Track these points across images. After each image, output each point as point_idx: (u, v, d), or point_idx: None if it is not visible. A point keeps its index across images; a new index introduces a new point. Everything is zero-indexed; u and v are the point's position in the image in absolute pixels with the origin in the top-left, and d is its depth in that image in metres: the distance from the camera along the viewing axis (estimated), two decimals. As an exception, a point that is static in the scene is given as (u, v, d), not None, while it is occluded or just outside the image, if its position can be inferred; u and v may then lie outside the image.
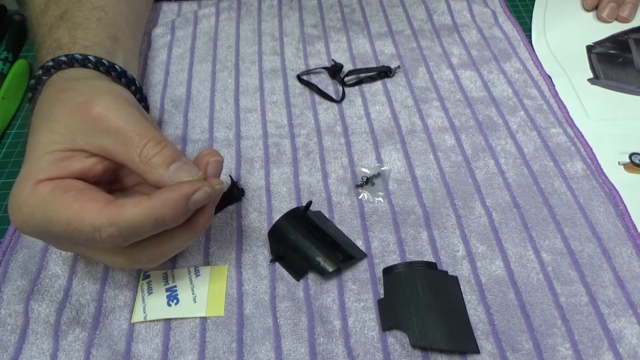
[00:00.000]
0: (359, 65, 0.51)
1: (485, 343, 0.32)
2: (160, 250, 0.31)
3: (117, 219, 0.28)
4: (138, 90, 0.40)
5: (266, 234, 0.38)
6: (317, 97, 0.48)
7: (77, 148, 0.30)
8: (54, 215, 0.28)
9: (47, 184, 0.29)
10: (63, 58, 0.36)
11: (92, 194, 0.29)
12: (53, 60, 0.36)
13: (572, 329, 0.33)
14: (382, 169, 0.42)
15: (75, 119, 0.31)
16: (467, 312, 0.33)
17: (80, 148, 0.30)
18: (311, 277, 0.35)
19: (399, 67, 0.50)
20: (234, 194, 0.39)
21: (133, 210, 0.28)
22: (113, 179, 0.34)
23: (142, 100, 0.41)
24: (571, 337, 0.32)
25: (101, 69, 0.37)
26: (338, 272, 0.35)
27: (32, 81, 0.37)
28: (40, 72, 0.36)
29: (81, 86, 0.34)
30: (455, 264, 0.36)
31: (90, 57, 0.37)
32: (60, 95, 0.33)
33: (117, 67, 0.38)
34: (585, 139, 0.44)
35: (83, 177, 0.31)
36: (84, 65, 0.37)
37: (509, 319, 0.33)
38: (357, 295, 0.34)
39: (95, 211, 0.28)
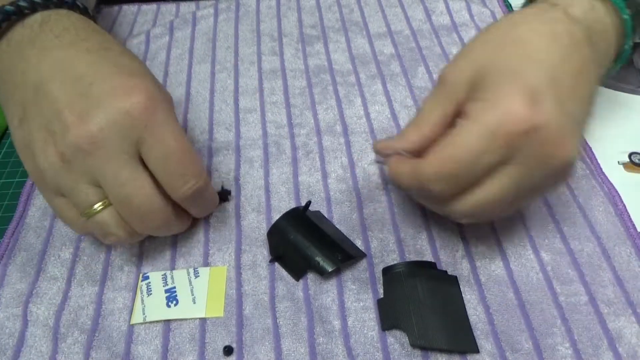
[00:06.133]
0: (359, 66, 0.51)
1: (485, 342, 0.32)
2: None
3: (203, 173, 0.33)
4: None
5: (265, 234, 0.38)
6: (317, 97, 0.48)
7: None
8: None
9: None
10: None
11: None
12: None
13: (571, 328, 0.33)
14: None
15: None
16: (466, 312, 0.33)
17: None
18: (310, 277, 0.35)
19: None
20: (221, 195, 0.39)
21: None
22: None
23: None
24: (571, 336, 0.32)
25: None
26: (337, 272, 0.35)
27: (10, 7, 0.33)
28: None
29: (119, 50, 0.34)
30: (455, 264, 0.36)
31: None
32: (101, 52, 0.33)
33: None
34: (584, 139, 0.44)
35: None
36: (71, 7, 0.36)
37: (508, 319, 0.33)
38: (357, 295, 0.34)
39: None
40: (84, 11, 0.37)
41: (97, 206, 0.31)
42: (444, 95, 0.32)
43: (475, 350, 0.32)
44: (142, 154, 0.31)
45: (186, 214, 0.36)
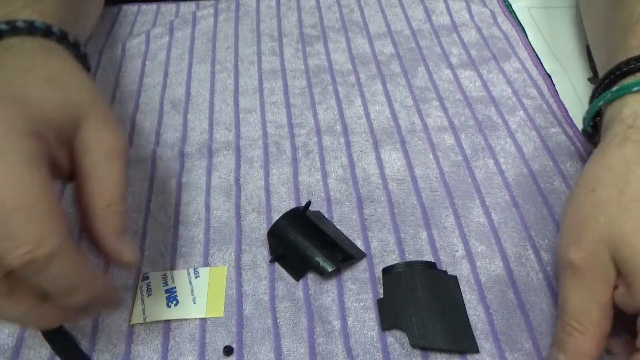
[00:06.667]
0: (359, 66, 0.51)
1: (485, 343, 0.32)
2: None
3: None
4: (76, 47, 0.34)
5: (265, 234, 0.38)
6: (317, 97, 0.48)
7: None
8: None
9: None
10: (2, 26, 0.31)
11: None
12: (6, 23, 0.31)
13: None
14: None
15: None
16: (466, 312, 0.33)
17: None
18: (310, 277, 0.35)
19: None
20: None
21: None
22: None
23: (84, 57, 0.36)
24: None
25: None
26: (337, 272, 0.35)
27: None
28: None
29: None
30: (455, 264, 0.36)
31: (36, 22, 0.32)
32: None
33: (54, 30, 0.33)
34: (584, 139, 0.44)
35: None
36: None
37: (508, 319, 0.33)
38: (357, 295, 0.34)
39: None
40: (61, 37, 0.33)
41: None
42: (592, 286, 0.28)
43: (475, 350, 0.32)
44: None
45: (56, 305, 0.27)
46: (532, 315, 0.33)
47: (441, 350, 0.32)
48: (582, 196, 0.31)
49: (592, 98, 0.38)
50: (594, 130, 0.38)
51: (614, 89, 0.35)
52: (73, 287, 0.25)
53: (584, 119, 0.38)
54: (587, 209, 0.30)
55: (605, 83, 0.36)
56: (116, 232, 0.29)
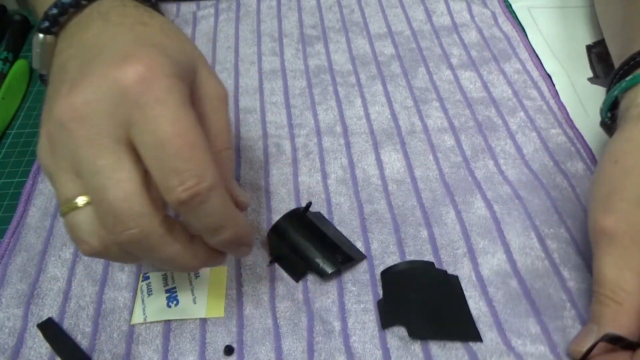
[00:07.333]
0: (359, 66, 0.51)
1: (489, 332, 0.32)
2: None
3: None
4: None
5: (265, 235, 0.38)
6: (317, 97, 0.48)
7: None
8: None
9: None
10: None
11: None
12: None
13: (582, 313, 0.33)
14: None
15: None
16: (468, 307, 0.33)
17: None
18: (310, 278, 0.35)
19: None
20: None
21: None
22: None
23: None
24: (582, 319, 0.32)
25: None
26: (337, 273, 0.35)
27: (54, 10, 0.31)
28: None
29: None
30: (456, 262, 0.36)
31: None
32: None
33: None
34: (585, 140, 0.44)
35: None
36: None
37: (512, 307, 0.33)
38: (357, 296, 0.34)
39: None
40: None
41: (77, 202, 0.26)
42: (626, 252, 0.28)
43: (478, 338, 0.32)
44: (132, 139, 0.25)
45: (202, 247, 0.29)
46: (539, 301, 0.33)
47: (442, 339, 0.31)
48: (606, 169, 0.31)
49: (608, 90, 0.39)
50: (611, 121, 0.38)
51: (629, 78, 0.35)
52: (221, 224, 0.27)
53: (601, 110, 0.39)
54: (613, 179, 0.30)
55: (620, 74, 0.37)
56: (232, 175, 0.30)
